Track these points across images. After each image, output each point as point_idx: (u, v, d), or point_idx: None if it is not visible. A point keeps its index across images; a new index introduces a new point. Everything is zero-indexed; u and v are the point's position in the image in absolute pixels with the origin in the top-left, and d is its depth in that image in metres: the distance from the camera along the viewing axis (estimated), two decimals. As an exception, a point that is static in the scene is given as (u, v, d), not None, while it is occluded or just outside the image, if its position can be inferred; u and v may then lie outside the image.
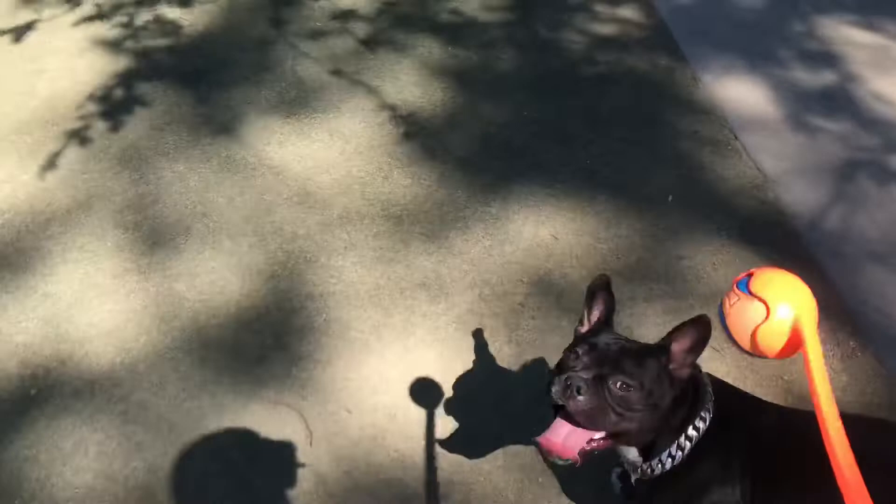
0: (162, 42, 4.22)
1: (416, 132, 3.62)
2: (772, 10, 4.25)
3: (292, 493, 2.37)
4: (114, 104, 3.86)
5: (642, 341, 1.70)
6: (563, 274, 2.86)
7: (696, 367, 1.62)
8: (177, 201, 3.24)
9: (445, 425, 2.51)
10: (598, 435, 1.56)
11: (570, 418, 1.54)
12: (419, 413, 2.53)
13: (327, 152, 3.44)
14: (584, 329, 1.71)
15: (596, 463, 1.71)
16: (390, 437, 2.44)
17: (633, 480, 1.77)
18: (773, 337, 1.32)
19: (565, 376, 1.53)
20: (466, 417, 2.51)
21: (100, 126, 3.73)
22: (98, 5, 4.44)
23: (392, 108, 3.75)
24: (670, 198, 3.11)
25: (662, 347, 1.57)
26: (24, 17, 4.36)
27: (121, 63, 4.12)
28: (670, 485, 1.66)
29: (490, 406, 2.55)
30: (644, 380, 1.53)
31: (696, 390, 1.63)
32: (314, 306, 2.82)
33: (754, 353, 1.37)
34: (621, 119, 3.64)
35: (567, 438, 1.54)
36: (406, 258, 2.96)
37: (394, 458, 2.45)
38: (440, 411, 2.55)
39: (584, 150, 3.41)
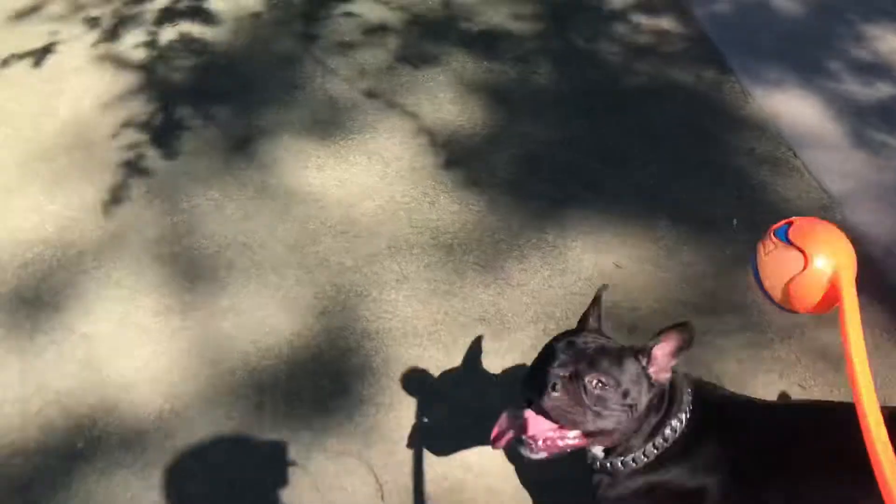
0: (187, 61, 4.06)
1: (458, 153, 3.47)
2: (816, 18, 4.11)
3: (364, 553, 2.13)
4: (139, 127, 3.70)
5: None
6: (631, 307, 2.70)
7: (675, 371, 1.62)
8: (214, 231, 3.07)
9: (522, 468, 2.35)
10: (573, 433, 1.55)
11: (545, 414, 1.52)
12: (500, 463, 2.37)
13: (368, 176, 3.27)
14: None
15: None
16: (469, 490, 2.26)
17: (593, 478, 1.73)
18: (809, 289, 1.25)
19: (541, 372, 1.54)
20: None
21: (126, 151, 3.57)
22: (118, 24, 4.23)
23: (430, 127, 3.61)
24: (735, 222, 2.94)
25: (643, 349, 1.56)
26: (42, 39, 4.18)
27: (144, 84, 3.95)
28: (636, 486, 1.65)
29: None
30: (621, 379, 1.52)
31: (672, 394, 1.62)
32: (371, 345, 2.65)
33: (785, 305, 1.30)
34: (672, 136, 3.51)
35: (537, 433, 1.54)
36: (462, 291, 2.79)
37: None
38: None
39: (639, 171, 3.27)
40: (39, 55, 4.04)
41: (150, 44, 4.19)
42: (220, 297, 2.88)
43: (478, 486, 2.34)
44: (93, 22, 4.34)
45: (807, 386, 2.48)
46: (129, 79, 3.98)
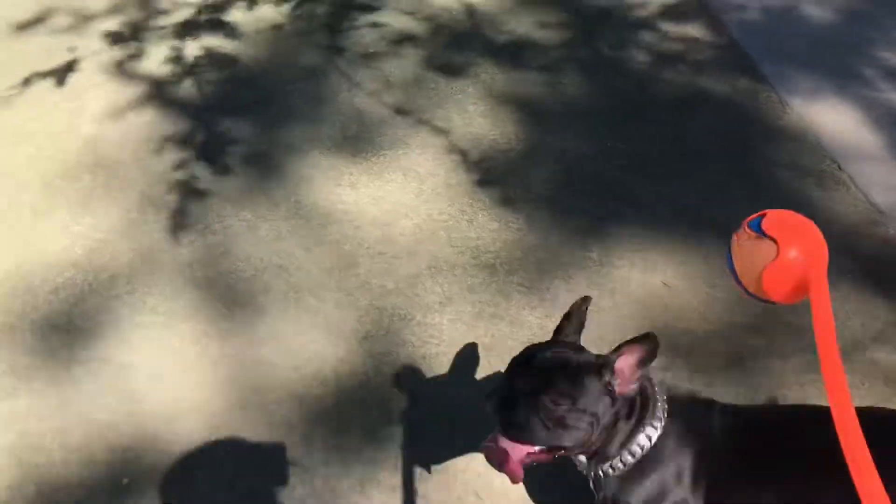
0: (211, 76, 4.00)
1: (493, 169, 3.40)
2: (848, 25, 4.04)
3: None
4: (165, 145, 3.63)
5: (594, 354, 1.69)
6: (685, 328, 2.63)
7: (647, 378, 1.66)
8: (249, 254, 2.98)
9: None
10: (536, 448, 1.58)
11: (505, 431, 1.57)
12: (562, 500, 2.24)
13: (403, 194, 3.19)
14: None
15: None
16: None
17: (590, 485, 1.77)
18: (782, 277, 1.27)
19: (502, 389, 1.58)
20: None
21: (152, 169, 3.49)
22: (139, 39, 4.14)
23: (463, 142, 3.55)
24: (784, 238, 2.83)
25: (606, 364, 1.56)
26: (63, 56, 4.08)
27: (168, 100, 3.88)
28: (628, 491, 1.69)
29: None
30: (577, 396, 1.54)
31: (644, 402, 1.64)
32: (419, 371, 2.58)
33: (759, 295, 1.32)
34: (711, 148, 3.45)
35: (507, 448, 1.58)
36: (508, 313, 2.72)
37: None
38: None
39: (679, 185, 3.20)
40: (61, 73, 3.96)
41: (174, 59, 4.13)
42: (258, 322, 2.78)
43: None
44: (114, 37, 4.27)
45: (860, 385, 2.44)
46: (152, 95, 3.91)
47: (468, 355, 2.69)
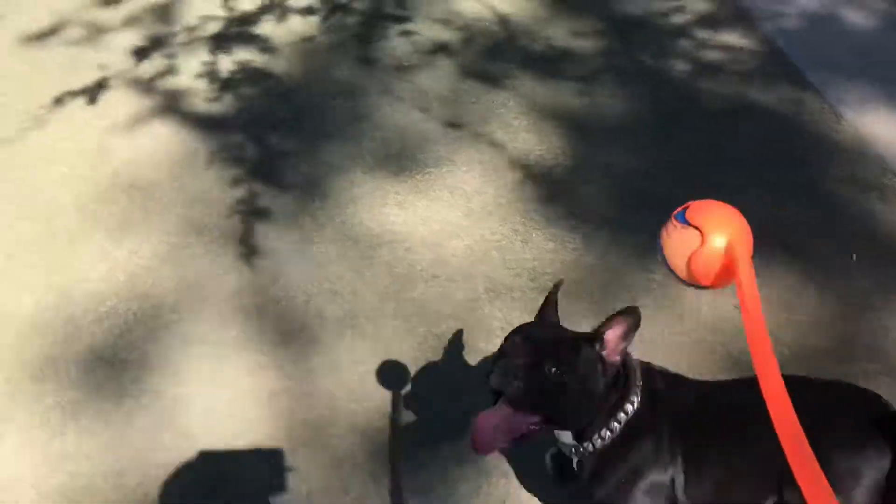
0: (246, 91, 3.91)
1: (543, 186, 3.31)
2: (891, 31, 3.91)
3: None
4: (201, 164, 3.53)
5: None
6: (762, 354, 2.47)
7: (627, 353, 1.73)
8: (299, 278, 2.87)
9: None
10: (534, 419, 1.63)
11: (509, 403, 1.61)
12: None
13: (452, 213, 3.08)
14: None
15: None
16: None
17: (574, 464, 1.83)
18: (708, 263, 1.35)
19: (503, 362, 1.62)
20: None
21: (190, 189, 3.38)
22: (170, 55, 4.02)
23: (509, 158, 3.44)
24: (854, 256, 2.75)
25: (596, 335, 1.66)
26: (91, 74, 3.97)
27: (203, 118, 3.78)
28: (607, 467, 1.76)
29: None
30: (577, 365, 1.62)
31: (626, 375, 1.73)
32: (486, 403, 2.41)
33: (691, 281, 1.40)
34: (762, 161, 3.35)
35: (502, 422, 1.63)
36: (574, 339, 2.56)
37: None
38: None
39: (735, 200, 2.96)
40: (92, 90, 3.84)
41: (206, 74, 4.06)
42: (314, 351, 2.69)
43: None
44: (140, 52, 4.20)
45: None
46: (186, 112, 3.81)
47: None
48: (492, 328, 2.73)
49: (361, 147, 3.47)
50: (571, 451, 1.80)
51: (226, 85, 3.95)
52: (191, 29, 4.33)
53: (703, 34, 4.08)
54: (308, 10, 4.47)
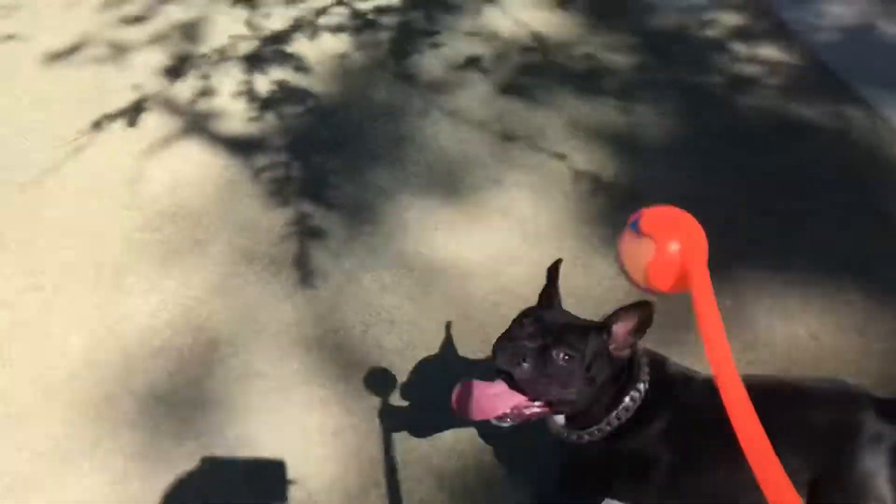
0: (285, 111, 3.88)
1: (598, 208, 3.24)
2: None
3: None
4: (246, 189, 3.48)
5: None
6: (843, 385, 2.39)
7: (635, 347, 1.69)
8: (356, 308, 2.79)
9: None
10: (536, 403, 1.65)
11: (514, 385, 1.63)
12: None
13: (506, 237, 3.01)
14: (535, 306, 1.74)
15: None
16: None
17: (562, 446, 1.84)
18: (664, 270, 1.34)
19: (512, 344, 1.63)
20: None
21: (237, 216, 3.33)
22: (204, 76, 3.95)
23: (560, 179, 3.39)
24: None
25: (605, 326, 1.64)
26: (126, 96, 3.94)
27: (242, 140, 3.73)
28: (603, 456, 1.78)
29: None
30: (585, 353, 1.62)
31: (630, 368, 1.72)
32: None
33: (650, 288, 1.39)
34: (823, 181, 3.29)
35: (502, 394, 1.65)
36: (645, 369, 2.49)
37: None
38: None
39: (800, 223, 3.09)
40: (131, 114, 3.77)
41: (243, 95, 4.01)
42: (378, 385, 2.55)
43: None
44: (175, 73, 4.16)
45: None
46: (225, 135, 3.75)
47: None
48: (559, 359, 2.60)
49: (407, 170, 3.38)
50: (563, 435, 1.80)
51: (264, 105, 3.91)
52: (222, 48, 4.25)
53: (739, 48, 4.02)
54: (339, 28, 4.41)
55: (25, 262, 3.09)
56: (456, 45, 4.25)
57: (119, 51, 4.32)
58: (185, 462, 2.45)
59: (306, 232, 3.18)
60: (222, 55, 4.24)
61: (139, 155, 3.57)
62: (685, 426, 1.73)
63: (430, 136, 3.55)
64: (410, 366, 2.66)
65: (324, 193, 3.36)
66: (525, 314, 1.75)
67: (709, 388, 1.74)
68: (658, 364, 1.80)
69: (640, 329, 1.63)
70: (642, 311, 1.60)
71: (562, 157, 3.39)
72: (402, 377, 2.67)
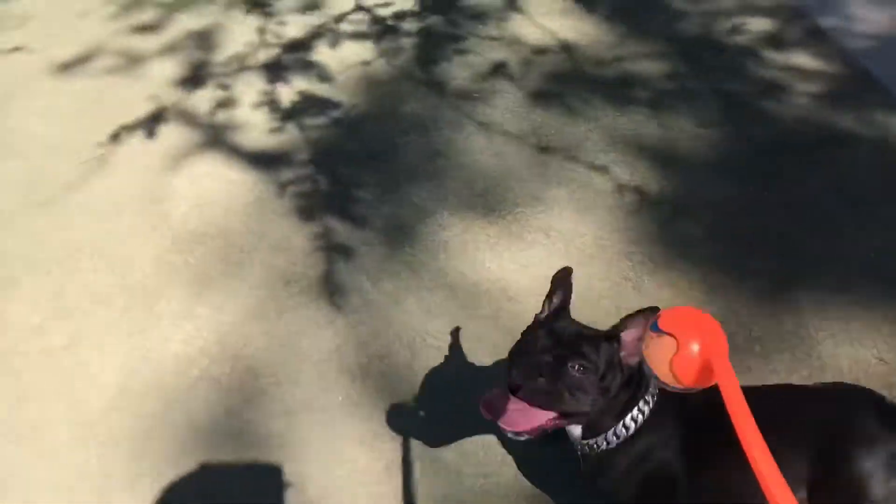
0: (311, 121, 3.78)
1: (645, 225, 3.13)
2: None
3: None
4: (276, 206, 3.36)
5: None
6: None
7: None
8: (400, 333, 2.70)
9: None
10: (552, 414, 1.65)
11: (529, 398, 1.62)
12: None
13: (552, 257, 2.89)
14: (543, 315, 1.77)
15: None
16: None
17: (579, 455, 1.86)
18: (687, 366, 1.42)
19: (526, 358, 1.63)
20: None
21: (269, 235, 3.22)
22: (224, 86, 3.82)
23: (603, 195, 3.28)
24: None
25: (614, 335, 1.66)
26: (146, 107, 3.86)
27: (268, 154, 3.62)
28: (617, 462, 1.79)
29: None
30: (600, 363, 1.63)
31: (640, 375, 1.73)
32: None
33: (676, 384, 1.47)
34: (873, 194, 3.17)
35: (516, 415, 1.65)
36: (707, 397, 2.37)
37: None
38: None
39: (854, 240, 2.99)
40: (150, 125, 3.65)
41: (265, 104, 3.92)
42: (429, 418, 2.45)
43: None
44: (192, 82, 4.05)
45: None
46: (249, 150, 3.64)
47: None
48: (618, 387, 2.47)
49: (444, 186, 3.26)
50: (580, 446, 1.82)
51: (286, 116, 3.83)
52: (239, 57, 4.14)
53: (773, 55, 3.93)
54: (360, 35, 4.30)
55: (51, 285, 2.97)
56: (481, 51, 4.17)
57: (134, 61, 4.22)
58: (230, 500, 2.29)
59: (342, 251, 3.09)
60: (240, 64, 4.13)
61: (161, 170, 3.48)
62: (695, 427, 1.76)
63: (465, 149, 3.43)
64: (460, 396, 2.51)
65: (358, 211, 3.26)
66: (536, 325, 1.74)
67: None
68: None
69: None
70: (648, 318, 1.61)
71: (603, 170, 3.28)
72: (452, 407, 2.56)
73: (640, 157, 3.37)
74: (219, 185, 3.38)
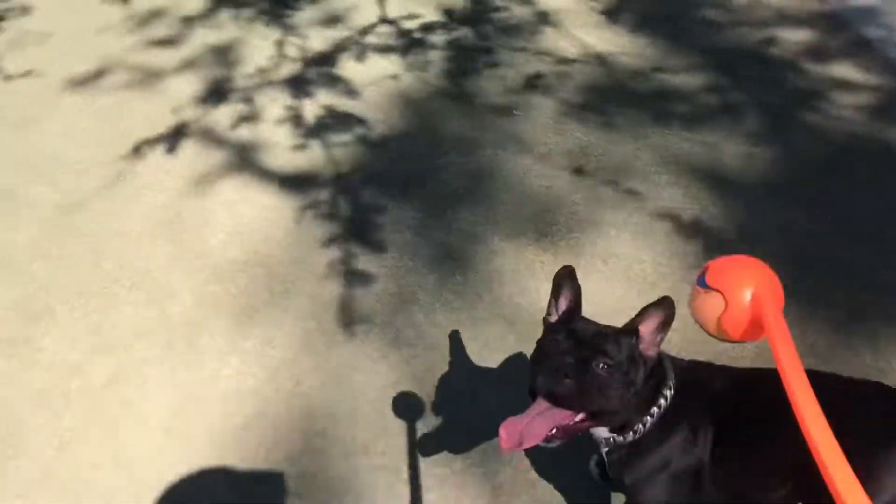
0: (343, 139, 3.67)
1: (706, 250, 3.02)
2: None
3: None
4: (319, 233, 3.24)
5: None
6: None
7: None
8: (460, 368, 2.65)
9: None
10: (579, 416, 1.63)
11: (557, 402, 1.59)
12: None
13: (613, 286, 2.79)
14: (554, 319, 1.76)
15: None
16: None
17: (603, 455, 1.84)
18: (737, 321, 1.38)
19: (549, 362, 1.60)
20: None
21: (314, 263, 3.09)
22: (248, 100, 3.72)
23: (659, 218, 3.16)
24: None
25: (632, 329, 1.64)
26: (166, 123, 3.74)
27: (303, 175, 3.49)
28: (641, 455, 1.77)
29: None
30: (623, 360, 1.61)
31: (660, 366, 1.72)
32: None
33: (724, 337, 1.43)
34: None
35: (538, 421, 1.62)
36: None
37: None
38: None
39: None
40: (172, 142, 3.48)
41: (292, 121, 3.80)
42: (497, 460, 2.43)
43: None
44: (214, 98, 3.93)
45: None
46: (283, 170, 3.52)
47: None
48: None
49: (492, 210, 3.14)
50: (604, 441, 1.79)
51: (315, 134, 3.74)
52: (263, 71, 4.00)
53: (816, 67, 3.85)
54: (386, 48, 4.17)
55: (88, 318, 2.84)
56: (513, 64, 4.05)
57: (155, 77, 4.12)
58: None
59: (389, 281, 2.98)
60: (263, 79, 3.98)
61: (191, 194, 3.38)
62: (723, 421, 1.74)
63: (509, 170, 3.32)
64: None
65: (402, 238, 3.15)
66: (553, 329, 1.72)
67: (727, 374, 1.85)
68: (673, 359, 1.82)
69: (665, 325, 1.63)
70: (665, 308, 1.61)
71: (659, 194, 3.17)
72: (527, 452, 2.37)
73: (693, 178, 3.26)
74: (255, 210, 3.29)
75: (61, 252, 3.07)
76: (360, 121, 3.66)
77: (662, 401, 1.74)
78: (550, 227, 3.06)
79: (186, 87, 3.98)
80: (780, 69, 3.80)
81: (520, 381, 2.35)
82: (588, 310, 2.47)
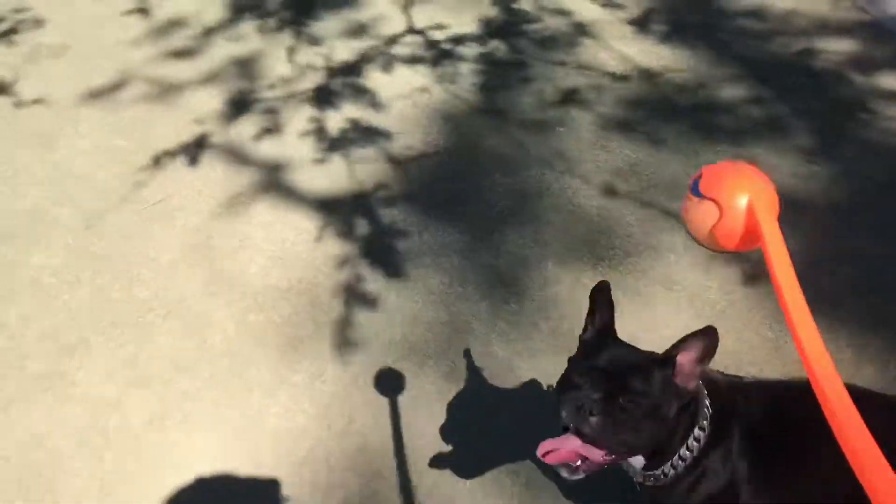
0: (366, 157, 3.52)
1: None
2: None
3: None
4: (360, 255, 3.09)
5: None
6: None
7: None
8: (521, 407, 2.52)
9: None
10: (604, 453, 1.55)
11: (582, 439, 1.54)
12: None
13: (678, 314, 2.64)
14: (588, 336, 1.65)
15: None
16: None
17: (636, 486, 1.74)
18: (731, 231, 1.32)
19: (574, 397, 1.52)
20: None
21: (353, 295, 2.94)
22: (269, 111, 3.51)
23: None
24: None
25: (668, 359, 1.53)
26: (188, 137, 3.63)
27: (337, 194, 3.36)
28: (679, 484, 1.67)
29: None
30: (652, 394, 1.52)
31: (696, 398, 1.60)
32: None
33: (717, 247, 1.37)
34: None
35: (572, 452, 1.56)
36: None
37: None
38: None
39: None
40: (195, 156, 3.40)
41: (316, 133, 3.65)
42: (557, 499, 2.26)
43: None
44: (238, 107, 3.82)
45: None
46: (318, 192, 3.37)
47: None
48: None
49: (541, 233, 3.00)
50: (640, 476, 1.71)
51: (344, 149, 3.59)
52: (286, 81, 3.96)
53: (862, 78, 3.74)
54: (414, 59, 3.99)
55: (124, 350, 2.68)
56: (549, 78, 3.91)
57: (176, 89, 3.97)
58: None
59: (439, 309, 2.83)
60: (289, 89, 3.80)
61: (221, 216, 3.24)
62: (759, 444, 1.68)
63: (556, 190, 3.17)
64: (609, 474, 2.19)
65: (449, 262, 3.00)
66: (584, 349, 1.65)
67: (766, 394, 1.76)
68: (710, 381, 1.71)
69: (707, 357, 1.51)
70: (708, 338, 1.49)
71: (713, 214, 2.96)
72: (598, 485, 2.26)
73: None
74: (289, 232, 3.15)
75: (92, 279, 2.89)
76: (388, 136, 3.54)
77: (700, 431, 1.64)
78: (607, 251, 2.91)
79: (209, 99, 3.80)
80: (825, 80, 3.69)
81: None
82: (652, 339, 2.32)
